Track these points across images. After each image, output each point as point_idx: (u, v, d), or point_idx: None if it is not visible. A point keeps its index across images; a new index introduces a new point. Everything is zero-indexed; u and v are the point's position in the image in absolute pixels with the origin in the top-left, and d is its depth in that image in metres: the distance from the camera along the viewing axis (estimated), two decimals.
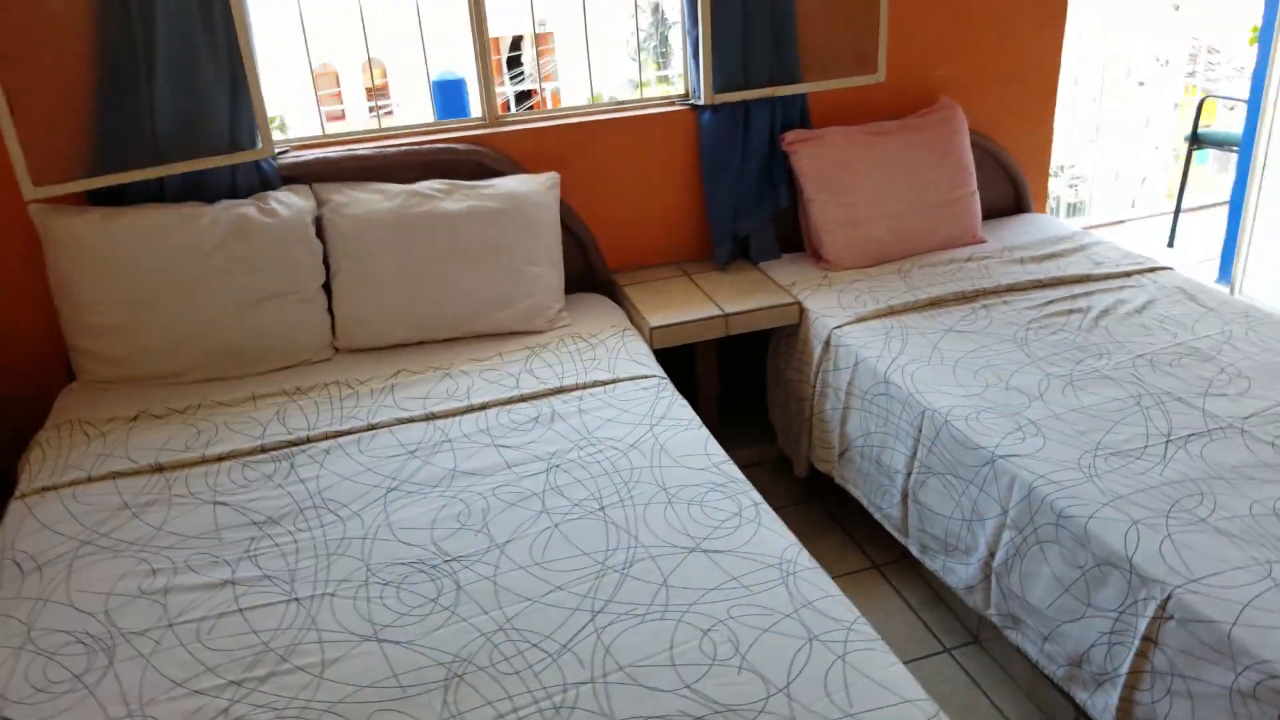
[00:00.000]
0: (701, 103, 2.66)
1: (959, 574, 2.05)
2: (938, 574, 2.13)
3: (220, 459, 2.02)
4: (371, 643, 1.51)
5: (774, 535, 1.69)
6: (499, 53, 11.33)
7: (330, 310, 2.46)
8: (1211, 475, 1.81)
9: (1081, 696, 1.76)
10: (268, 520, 1.83)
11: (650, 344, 2.49)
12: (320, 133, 2.65)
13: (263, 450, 2.05)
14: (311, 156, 2.51)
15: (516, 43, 11.09)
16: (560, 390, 2.22)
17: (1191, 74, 7.56)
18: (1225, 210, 4.37)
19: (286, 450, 2.05)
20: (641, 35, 10.53)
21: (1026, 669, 2.04)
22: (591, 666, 1.43)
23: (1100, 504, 1.75)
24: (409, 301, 2.45)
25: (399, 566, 1.68)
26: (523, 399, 2.20)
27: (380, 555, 1.71)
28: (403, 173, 2.55)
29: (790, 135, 2.74)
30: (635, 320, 2.60)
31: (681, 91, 2.82)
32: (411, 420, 2.14)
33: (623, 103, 2.78)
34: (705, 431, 2.04)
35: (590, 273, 2.79)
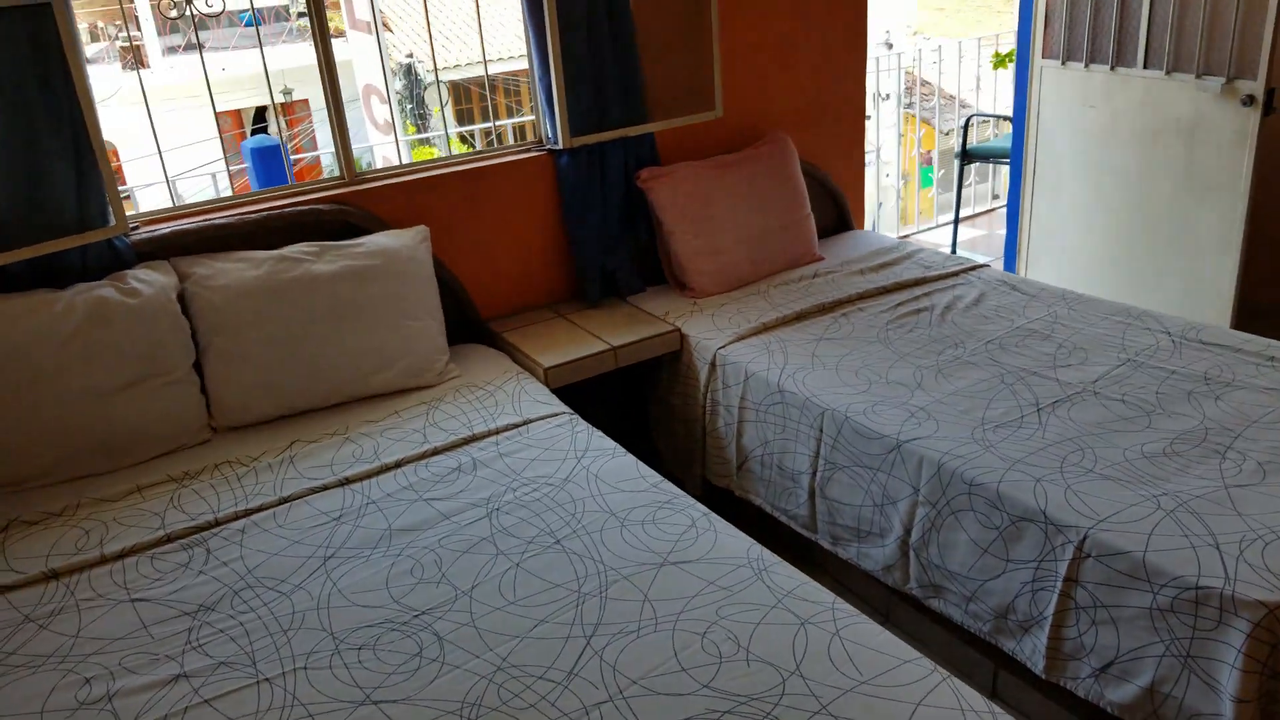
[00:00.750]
0: (559, 147, 2.74)
1: (874, 557, 2.20)
2: (852, 561, 2.27)
3: (122, 555, 1.85)
4: (368, 706, 1.44)
5: (734, 539, 1.77)
6: (242, 125, 10.75)
7: (204, 389, 2.31)
8: (1083, 433, 2.06)
9: (1009, 645, 1.94)
10: (201, 609, 1.69)
11: (546, 384, 2.51)
12: (172, 204, 2.49)
13: (169, 539, 1.89)
14: (167, 230, 2.36)
15: (261, 114, 10.56)
16: (473, 439, 2.20)
17: (909, 105, 8.43)
18: (977, 217, 4.95)
19: (197, 536, 1.90)
20: (396, 97, 10.47)
21: (942, 635, 2.20)
22: (605, 686, 1.43)
23: (1004, 469, 1.95)
24: (289, 371, 2.34)
25: (366, 629, 1.61)
26: (436, 452, 2.16)
27: (342, 622, 1.63)
28: (265, 238, 2.45)
29: (645, 172, 2.87)
30: (525, 364, 2.62)
31: (526, 141, 2.90)
32: (326, 488, 2.04)
33: (480, 152, 2.81)
34: (632, 457, 2.09)
35: (465, 323, 2.77)
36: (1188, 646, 1.63)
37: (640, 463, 2.06)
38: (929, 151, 8.40)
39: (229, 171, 5.22)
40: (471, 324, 2.78)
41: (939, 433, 2.11)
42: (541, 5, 2.58)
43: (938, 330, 2.62)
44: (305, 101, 10.52)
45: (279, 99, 9.20)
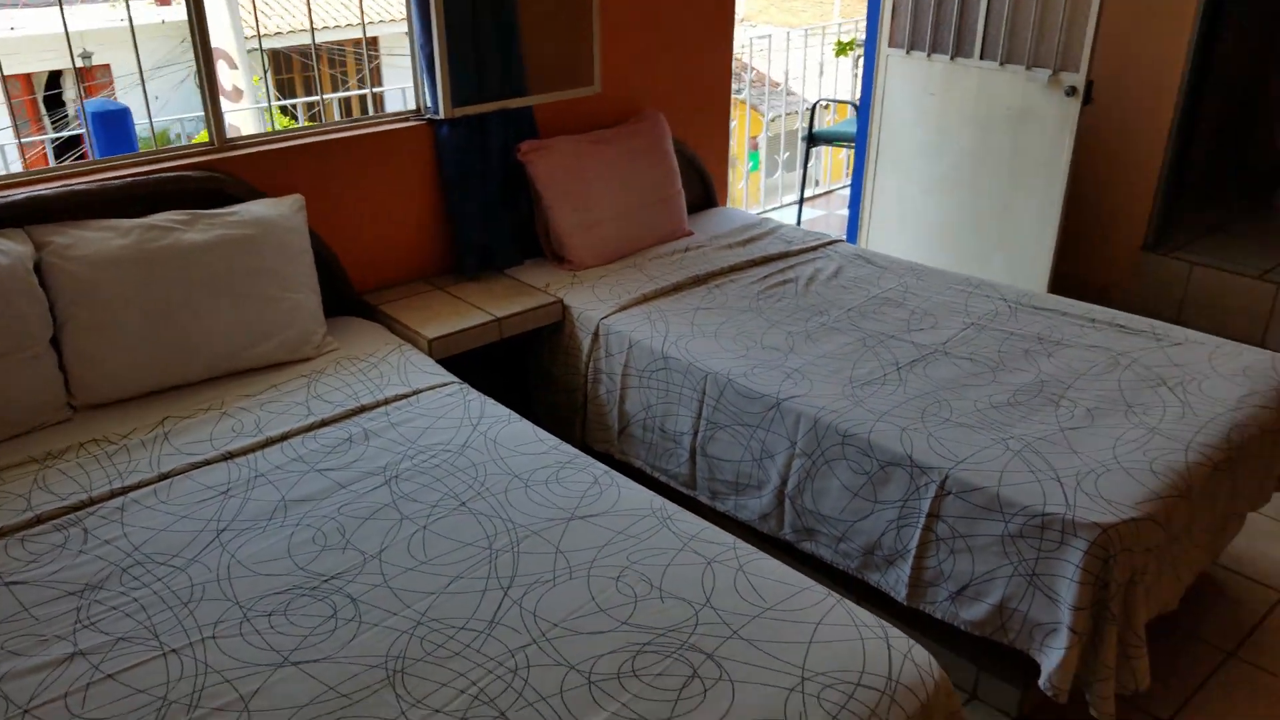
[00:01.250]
0: (440, 117, 2.73)
1: (752, 507, 2.34)
2: (729, 513, 2.41)
3: None
4: (287, 667, 1.44)
5: (636, 493, 1.85)
6: (33, 92, 9.89)
7: (61, 365, 2.19)
8: (938, 388, 2.27)
9: (874, 578, 2.12)
10: (87, 588, 1.63)
11: (431, 355, 2.52)
12: (23, 168, 2.33)
13: (39, 521, 1.80)
14: (21, 196, 2.21)
15: (55, 79, 9.70)
16: (361, 410, 2.19)
17: (738, 91, 8.71)
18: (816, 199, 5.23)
19: (70, 516, 1.82)
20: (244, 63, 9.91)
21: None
22: (528, 630, 1.49)
23: (873, 420, 2.12)
24: (157, 345, 2.24)
25: (274, 596, 1.59)
26: (324, 424, 2.13)
27: (247, 591, 1.61)
28: (129, 206, 2.33)
29: (525, 145, 2.90)
30: (406, 336, 2.61)
31: (414, 107, 2.87)
32: (208, 462, 1.99)
33: (357, 120, 2.76)
34: (528, 422, 2.14)
35: (339, 297, 2.73)
36: (1033, 566, 1.84)
37: (537, 427, 2.12)
38: (755, 137, 8.69)
39: (19, 143, 4.78)
40: (346, 297, 2.74)
41: (813, 391, 2.26)
42: None
43: (804, 300, 2.79)
44: (107, 67, 9.76)
45: (79, 63, 8.52)
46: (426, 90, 2.76)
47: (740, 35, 4.56)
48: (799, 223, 5.11)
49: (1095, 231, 4.17)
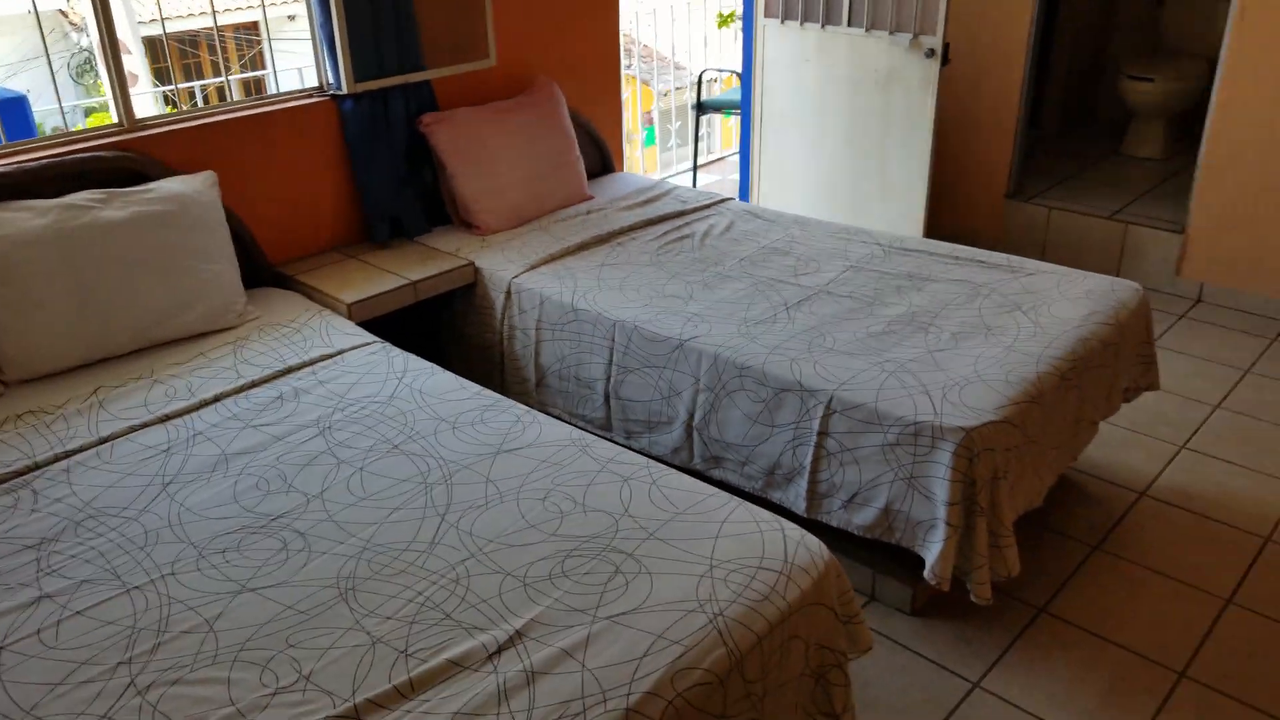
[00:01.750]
0: (343, 92, 2.83)
1: (664, 442, 2.54)
2: (644, 450, 2.60)
3: None
4: (247, 593, 1.57)
5: (556, 427, 2.02)
6: None
7: None
8: (823, 322, 2.50)
9: (777, 495, 2.34)
10: (44, 541, 1.72)
11: (350, 319, 2.63)
12: None
13: None
14: None
15: None
16: (288, 370, 2.30)
17: (628, 66, 8.85)
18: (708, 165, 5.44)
19: (17, 480, 1.90)
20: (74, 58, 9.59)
21: None
22: (465, 547, 1.65)
23: (766, 354, 2.34)
24: (84, 320, 2.31)
25: (226, 536, 1.72)
26: (253, 385, 2.24)
27: (199, 534, 1.73)
28: (45, 187, 2.38)
29: (427, 117, 3.02)
30: (325, 302, 2.71)
31: (316, 84, 2.96)
32: (146, 425, 2.08)
33: (263, 98, 2.84)
34: (451, 373, 2.28)
35: (255, 269, 2.81)
36: (910, 470, 2.09)
37: (460, 377, 2.27)
38: (649, 111, 8.88)
39: None
40: (262, 269, 2.83)
41: (712, 331, 2.47)
42: None
43: (700, 253, 2.99)
44: None
45: None
46: (328, 67, 2.85)
47: (626, 8, 4.73)
48: (694, 186, 5.33)
49: (963, 182, 4.50)
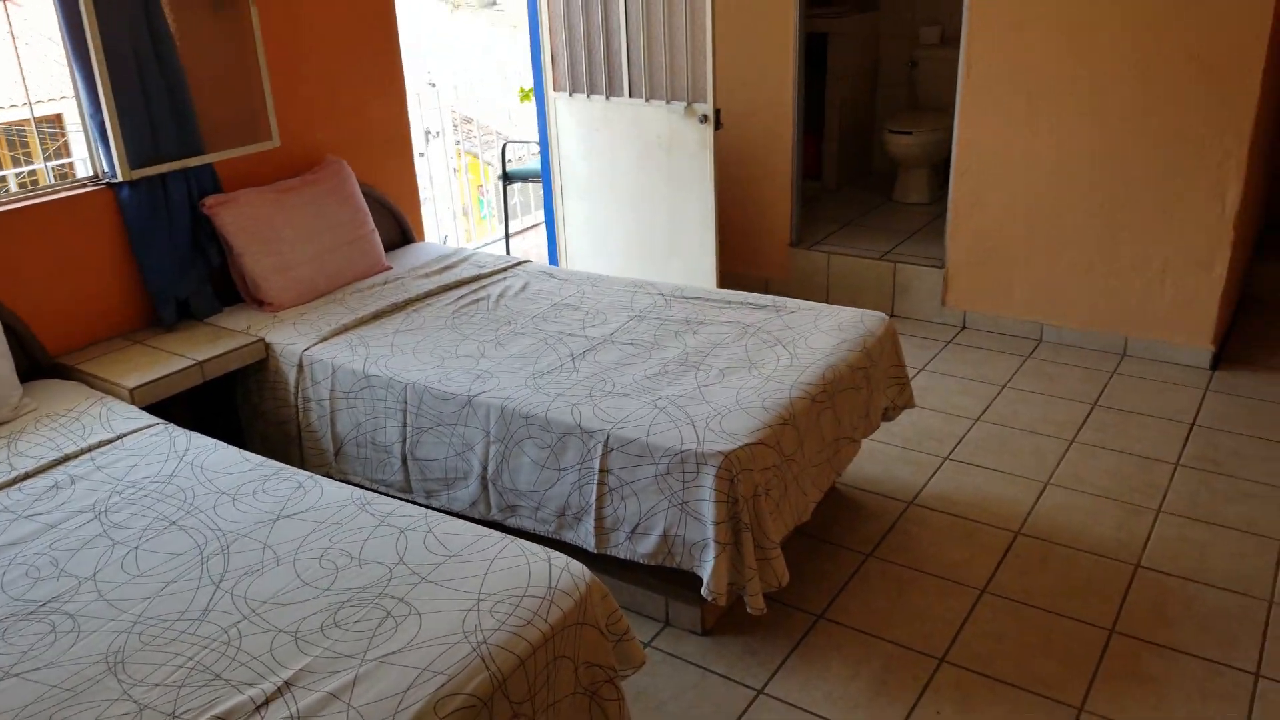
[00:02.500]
0: (119, 180, 2.84)
1: (462, 497, 2.64)
2: (443, 507, 2.69)
3: None
4: (9, 679, 1.57)
5: (338, 489, 2.10)
6: None
7: None
8: (605, 369, 2.68)
9: (569, 536, 2.48)
10: None
11: (134, 403, 2.62)
12: None
13: None
14: None
15: None
16: (65, 459, 2.28)
17: (458, 142, 9.07)
18: (527, 231, 5.64)
19: None
20: None
21: None
22: (239, 610, 1.70)
23: (549, 401, 2.49)
24: None
25: None
26: (26, 476, 2.21)
27: None
28: None
29: (209, 200, 3.06)
30: (107, 389, 2.69)
31: (91, 173, 2.95)
32: None
33: (36, 190, 2.81)
34: (235, 448, 2.32)
35: (33, 362, 2.76)
36: (682, 496, 2.27)
37: (243, 450, 2.30)
38: (484, 186, 9.06)
39: None
40: (40, 362, 2.77)
41: (500, 385, 2.60)
42: (86, 42, 2.68)
43: (494, 313, 3.13)
44: None
45: None
46: (102, 155, 2.86)
47: (444, 83, 4.89)
48: (508, 254, 5.49)
49: (751, 234, 4.85)
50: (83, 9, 2.67)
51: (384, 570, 1.79)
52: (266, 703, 1.48)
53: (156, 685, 1.54)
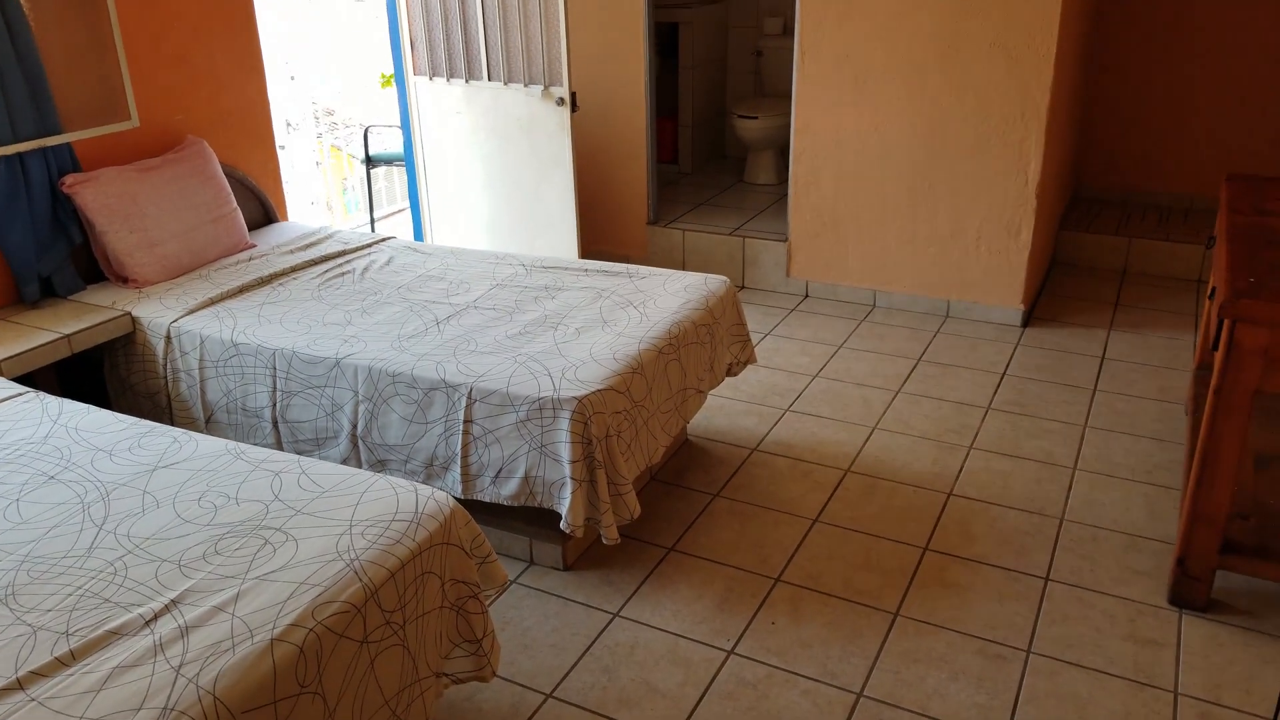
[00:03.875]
0: None
1: (333, 455, 2.80)
2: None
3: None
4: None
5: (214, 443, 2.23)
6: None
7: None
8: (468, 332, 2.88)
9: (438, 484, 2.67)
10: None
11: (2, 375, 2.66)
12: None
13: None
14: None
15: None
16: None
17: (320, 135, 8.94)
18: (391, 216, 5.74)
19: None
20: None
21: None
22: (122, 546, 1.84)
23: (415, 361, 2.67)
24: None
25: None
26: None
27: None
28: None
29: (69, 178, 3.09)
30: None
31: None
32: None
33: None
34: (108, 411, 2.41)
35: None
36: (540, 440, 2.50)
37: (117, 413, 2.40)
38: (348, 178, 8.97)
39: None
40: None
41: (367, 349, 2.77)
42: None
43: (360, 285, 3.28)
44: None
45: None
46: None
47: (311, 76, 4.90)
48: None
49: (611, 212, 5.11)
50: None
51: (261, 507, 1.95)
52: (155, 618, 1.64)
53: (48, 611, 1.66)
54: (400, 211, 6.38)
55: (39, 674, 1.52)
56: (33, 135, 2.99)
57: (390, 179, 6.66)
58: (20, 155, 2.98)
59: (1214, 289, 2.74)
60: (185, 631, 1.60)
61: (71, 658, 1.55)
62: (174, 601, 1.68)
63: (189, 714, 1.44)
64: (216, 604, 1.67)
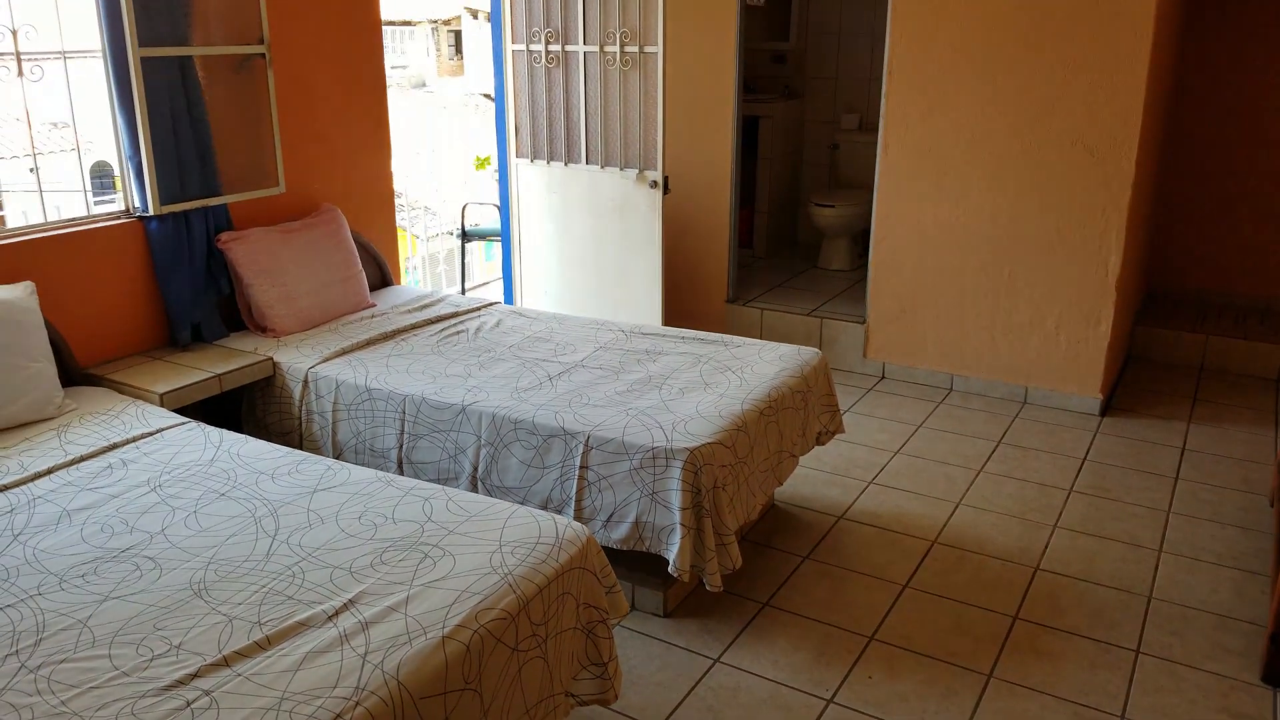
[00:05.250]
0: (150, 214, 3.18)
1: None
2: None
3: None
4: (111, 600, 1.86)
5: (362, 470, 2.43)
6: None
7: None
8: (580, 387, 3.08)
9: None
10: None
11: (162, 406, 2.92)
12: None
13: None
14: None
15: None
16: (113, 446, 2.57)
17: None
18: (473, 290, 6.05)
19: None
20: None
21: None
22: (296, 554, 2.03)
23: (535, 410, 2.88)
24: None
25: (82, 565, 2.00)
26: (82, 459, 2.50)
27: (56, 566, 1.99)
28: None
29: (224, 236, 3.41)
30: (137, 395, 2.98)
31: (123, 208, 3.30)
32: None
33: (76, 219, 3.13)
34: (265, 441, 2.64)
35: (66, 371, 3.04)
36: (652, 488, 2.67)
37: (272, 443, 2.63)
38: (411, 258, 9.41)
39: None
40: (72, 371, 3.06)
41: (490, 398, 2.98)
42: (132, 96, 3.06)
43: (475, 343, 3.52)
44: None
45: None
46: (135, 192, 3.21)
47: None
48: None
49: (692, 291, 5.35)
50: (131, 68, 3.05)
51: (416, 526, 2.14)
52: (336, 614, 1.82)
53: (239, 604, 1.85)
54: (485, 284, 6.70)
55: (241, 654, 1.70)
56: (198, 195, 3.32)
57: (470, 256, 7.00)
58: (186, 213, 3.30)
59: None
60: (366, 626, 1.78)
61: (268, 642, 1.73)
62: (350, 601, 1.86)
63: (378, 694, 1.60)
64: (389, 605, 1.84)
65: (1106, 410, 4.53)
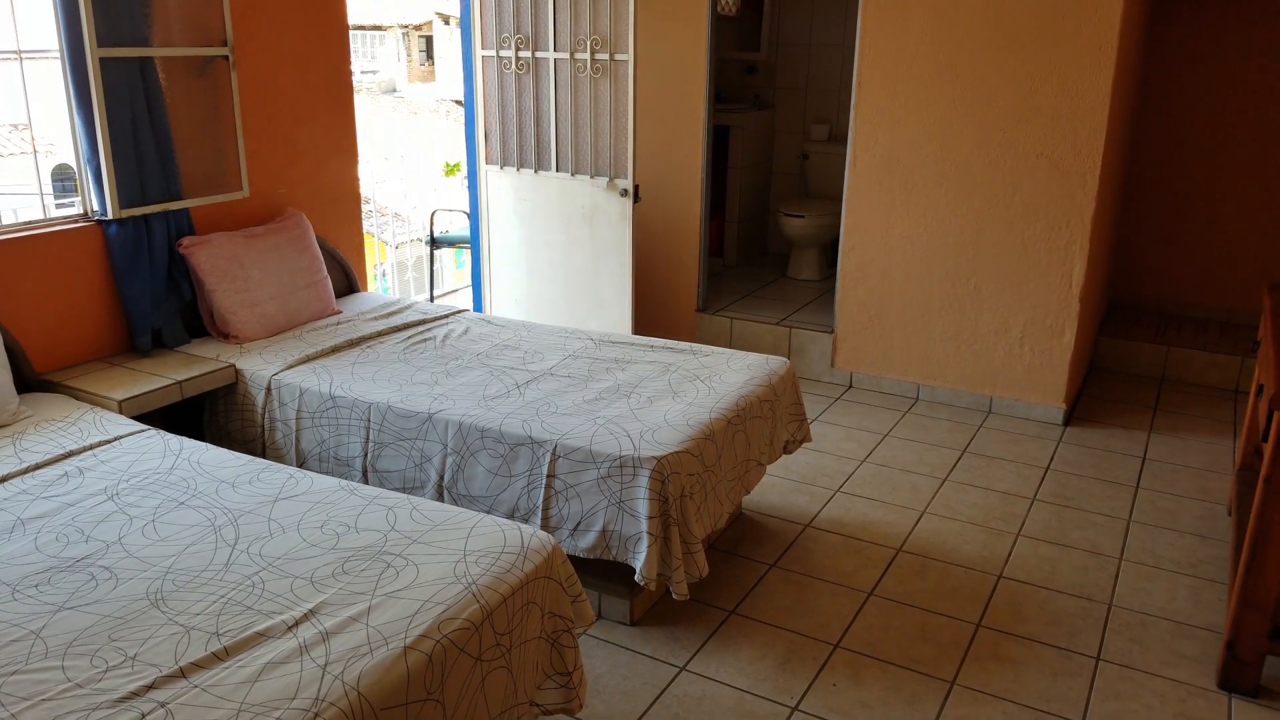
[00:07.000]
0: (109, 218, 3.13)
1: None
2: None
3: None
4: (65, 610, 1.83)
5: (325, 479, 2.41)
6: None
7: None
8: (548, 395, 3.07)
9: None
10: None
11: (121, 414, 2.87)
12: None
13: None
14: None
15: None
16: (70, 454, 2.52)
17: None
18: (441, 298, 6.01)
19: None
20: None
21: None
22: (256, 564, 2.00)
23: (503, 418, 2.86)
24: None
25: (36, 575, 1.96)
26: (37, 466, 2.45)
27: (9, 575, 1.95)
28: None
29: (186, 240, 3.36)
30: (95, 401, 2.92)
31: (81, 211, 3.24)
32: None
33: (31, 222, 3.07)
34: (225, 449, 2.60)
35: (22, 378, 2.98)
36: (619, 496, 2.66)
37: (233, 451, 2.59)
38: (381, 265, 9.36)
39: None
40: (29, 378, 3.00)
41: (456, 406, 2.96)
42: (91, 97, 3.01)
43: (442, 351, 3.50)
44: None
45: None
46: (94, 195, 3.16)
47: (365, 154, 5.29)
48: None
49: (662, 299, 5.35)
50: (90, 69, 3.00)
51: (379, 535, 2.12)
52: (296, 624, 1.79)
53: (197, 615, 1.82)
54: (454, 291, 6.67)
55: (198, 665, 1.67)
56: (159, 199, 3.27)
57: (439, 262, 6.96)
58: (146, 217, 3.25)
59: (1260, 386, 2.91)
60: (326, 637, 1.75)
61: (226, 653, 1.70)
62: (311, 611, 1.83)
63: (337, 705, 1.58)
64: (351, 615, 1.82)
65: (1069, 420, 4.59)
